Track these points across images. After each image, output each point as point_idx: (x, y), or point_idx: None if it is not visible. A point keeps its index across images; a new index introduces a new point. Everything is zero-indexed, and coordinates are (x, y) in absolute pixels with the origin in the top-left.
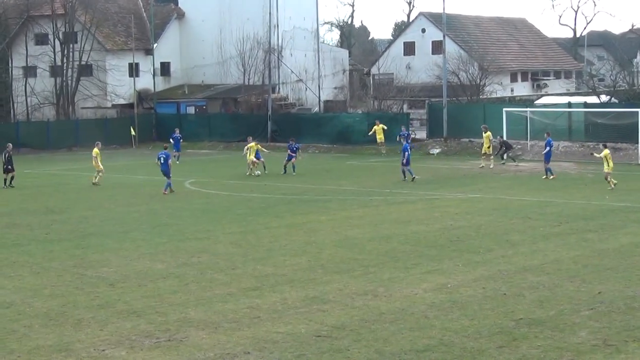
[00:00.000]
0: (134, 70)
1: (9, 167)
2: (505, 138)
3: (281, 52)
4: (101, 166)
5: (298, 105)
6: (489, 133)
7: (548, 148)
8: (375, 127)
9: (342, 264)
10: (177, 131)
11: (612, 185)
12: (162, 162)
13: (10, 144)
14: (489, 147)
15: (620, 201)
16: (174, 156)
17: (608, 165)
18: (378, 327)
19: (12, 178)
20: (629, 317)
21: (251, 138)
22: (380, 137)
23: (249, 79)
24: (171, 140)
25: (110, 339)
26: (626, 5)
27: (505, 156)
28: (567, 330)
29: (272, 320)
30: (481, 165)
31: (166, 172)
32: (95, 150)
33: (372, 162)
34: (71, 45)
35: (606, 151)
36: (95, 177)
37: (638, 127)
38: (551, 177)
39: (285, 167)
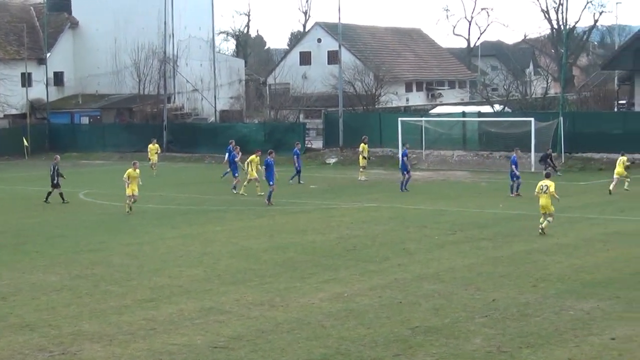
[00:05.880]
0: (26, 80)
1: (55, 181)
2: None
3: (176, 61)
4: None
5: (194, 115)
6: (365, 145)
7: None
8: (150, 145)
9: (238, 275)
10: (233, 143)
11: None
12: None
13: (58, 156)
14: (365, 159)
15: (513, 209)
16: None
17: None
18: (275, 337)
19: (50, 194)
20: (522, 324)
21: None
22: (153, 158)
23: (144, 89)
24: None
25: (2, 353)
26: (519, 16)
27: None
28: (462, 338)
29: (168, 332)
30: (362, 179)
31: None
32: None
33: None
34: None
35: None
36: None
37: (531, 136)
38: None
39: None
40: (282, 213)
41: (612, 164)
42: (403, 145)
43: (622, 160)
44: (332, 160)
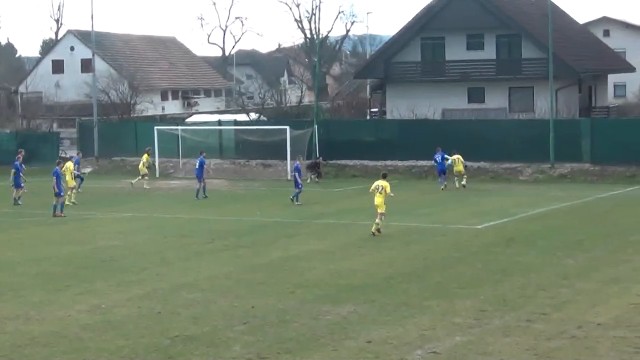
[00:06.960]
0: None
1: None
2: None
3: None
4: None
5: None
6: (147, 155)
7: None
8: None
9: None
10: (22, 153)
11: None
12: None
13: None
14: (147, 168)
15: (271, 217)
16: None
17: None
18: (31, 351)
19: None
20: (281, 330)
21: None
22: None
23: None
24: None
25: None
26: (273, 25)
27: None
28: (221, 346)
29: None
30: (146, 186)
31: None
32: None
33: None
34: None
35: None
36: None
37: (286, 144)
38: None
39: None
40: (37, 224)
41: (366, 171)
42: (200, 153)
43: (458, 159)
44: (88, 170)
